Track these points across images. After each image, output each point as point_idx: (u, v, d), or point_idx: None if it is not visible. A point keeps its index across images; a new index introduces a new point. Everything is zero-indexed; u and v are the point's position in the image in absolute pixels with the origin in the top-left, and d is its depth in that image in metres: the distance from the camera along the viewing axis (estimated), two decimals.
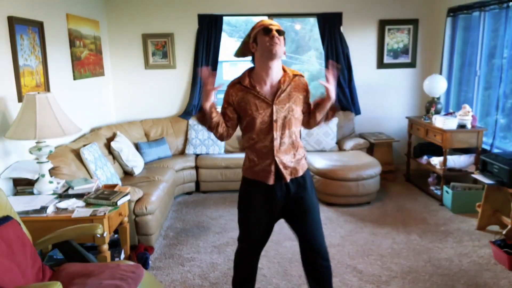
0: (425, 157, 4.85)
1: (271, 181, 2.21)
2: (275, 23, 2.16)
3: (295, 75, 2.26)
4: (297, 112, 2.23)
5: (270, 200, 2.25)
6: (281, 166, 2.20)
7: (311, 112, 2.31)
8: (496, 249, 3.20)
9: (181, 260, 3.34)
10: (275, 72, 2.19)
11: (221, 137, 2.29)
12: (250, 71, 2.25)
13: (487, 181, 3.56)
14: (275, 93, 2.18)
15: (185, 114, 5.35)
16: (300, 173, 2.27)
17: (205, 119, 2.20)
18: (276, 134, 2.18)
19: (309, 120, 2.33)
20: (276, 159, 2.19)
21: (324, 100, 2.21)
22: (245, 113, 2.20)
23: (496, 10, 4.26)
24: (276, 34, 2.10)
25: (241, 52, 2.27)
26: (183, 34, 5.29)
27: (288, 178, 2.22)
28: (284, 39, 2.16)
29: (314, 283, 2.39)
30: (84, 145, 3.66)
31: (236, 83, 2.24)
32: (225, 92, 2.27)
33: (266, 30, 2.11)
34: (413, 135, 5.13)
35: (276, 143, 2.19)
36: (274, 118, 2.17)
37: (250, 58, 2.26)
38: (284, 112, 2.18)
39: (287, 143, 2.22)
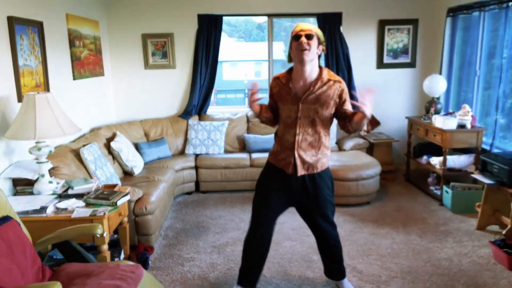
0: (425, 157, 4.85)
1: (289, 171, 2.43)
2: (307, 27, 2.30)
3: (330, 80, 2.39)
4: (323, 115, 2.39)
5: (286, 187, 2.48)
6: (298, 160, 2.41)
7: (348, 118, 2.43)
8: (495, 249, 3.20)
9: (181, 260, 3.34)
10: (308, 73, 2.36)
11: (269, 123, 2.59)
12: (291, 69, 2.48)
13: (487, 181, 3.57)
14: (305, 92, 2.37)
15: (185, 114, 5.35)
16: (317, 170, 2.46)
17: (259, 117, 2.53)
18: (299, 130, 2.39)
19: (345, 125, 2.46)
20: (296, 153, 2.40)
21: (358, 115, 2.34)
22: (278, 105, 2.47)
23: (495, 10, 4.26)
24: (304, 40, 2.27)
25: (289, 56, 2.46)
26: (183, 34, 5.29)
27: (301, 172, 2.43)
28: (319, 40, 2.33)
29: (326, 256, 2.73)
30: (84, 145, 3.66)
31: (277, 78, 2.51)
32: (270, 83, 2.56)
33: (296, 37, 2.31)
34: (413, 135, 5.13)
35: (298, 138, 2.40)
36: (299, 115, 2.37)
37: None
38: (309, 112, 2.36)
39: (308, 141, 2.41)
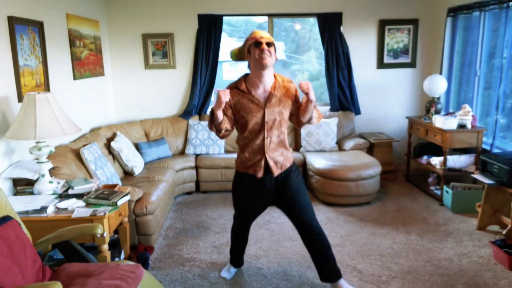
0: (425, 157, 4.85)
1: (260, 174, 2.57)
2: (266, 35, 2.44)
3: (284, 82, 2.58)
4: (286, 115, 2.58)
5: (260, 188, 2.63)
6: (271, 162, 2.56)
7: (299, 112, 2.62)
8: (496, 249, 3.20)
9: (181, 260, 3.34)
10: (267, 79, 2.50)
11: (222, 136, 2.58)
12: (245, 77, 2.57)
13: (487, 181, 3.56)
14: (267, 98, 2.51)
15: (185, 114, 5.35)
16: (288, 166, 2.64)
17: (213, 120, 2.50)
18: (267, 134, 2.53)
19: (298, 119, 2.64)
20: (266, 155, 2.55)
21: (305, 103, 2.54)
22: (240, 114, 2.52)
23: (496, 10, 4.26)
24: (266, 47, 2.39)
25: (238, 57, 2.59)
26: (183, 34, 5.29)
27: (277, 172, 2.58)
28: (275, 48, 2.45)
29: (314, 255, 2.73)
30: (84, 145, 3.66)
31: (234, 87, 2.54)
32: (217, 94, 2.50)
33: (256, 44, 2.41)
34: (413, 135, 5.13)
35: (267, 141, 2.54)
36: (266, 120, 2.50)
37: (246, 62, 2.57)
38: (274, 115, 2.51)
39: (275, 142, 2.57)
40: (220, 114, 2.42)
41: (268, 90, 2.51)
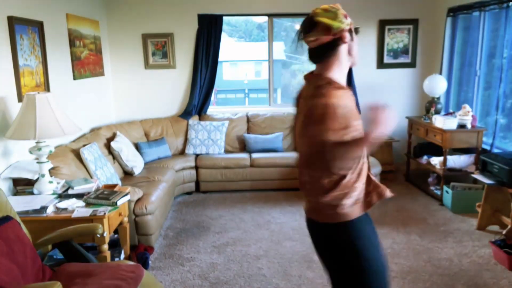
0: (425, 157, 4.85)
1: (387, 195, 1.81)
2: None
3: None
4: None
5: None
6: (375, 179, 1.79)
7: None
8: (496, 249, 3.20)
9: (181, 260, 3.34)
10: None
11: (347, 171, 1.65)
12: (329, 79, 1.63)
13: (487, 181, 3.56)
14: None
15: (185, 114, 5.34)
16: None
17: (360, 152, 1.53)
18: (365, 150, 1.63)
19: None
20: (372, 177, 1.78)
21: None
22: (352, 125, 1.55)
23: (496, 10, 4.26)
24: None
25: (324, 31, 1.61)
26: (183, 34, 5.29)
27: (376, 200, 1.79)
28: None
29: None
30: (84, 145, 3.66)
31: (339, 88, 1.58)
32: (332, 105, 1.50)
33: (357, 30, 1.68)
34: (413, 135, 5.13)
35: (366, 160, 1.75)
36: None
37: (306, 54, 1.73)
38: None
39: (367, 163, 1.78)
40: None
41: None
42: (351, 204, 1.68)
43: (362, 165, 1.69)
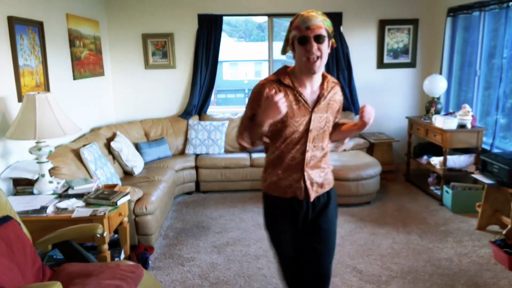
0: (425, 157, 4.85)
1: (302, 196, 1.94)
2: (315, 22, 1.74)
3: (335, 83, 1.99)
4: (331, 123, 1.98)
5: (294, 217, 1.98)
6: (308, 183, 1.93)
7: (332, 128, 2.03)
8: (496, 249, 3.20)
9: (181, 260, 3.34)
10: (317, 76, 1.89)
11: (253, 146, 1.92)
12: (286, 69, 1.92)
13: (487, 181, 3.56)
14: (315, 99, 1.89)
15: (185, 114, 5.34)
16: (326, 189, 2.02)
17: (249, 133, 1.86)
18: (309, 146, 1.90)
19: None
20: (305, 174, 1.92)
21: (352, 125, 1.99)
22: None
23: (496, 10, 4.26)
24: (315, 46, 1.75)
25: (285, 50, 1.93)
26: (183, 34, 5.29)
27: (313, 196, 1.95)
28: (330, 36, 1.81)
29: None
30: (84, 145, 3.66)
31: (274, 81, 1.87)
32: (255, 92, 1.88)
33: (302, 40, 1.76)
34: (413, 135, 5.13)
35: (308, 156, 1.91)
36: (310, 127, 1.88)
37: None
38: (321, 122, 1.90)
39: (317, 157, 1.95)
40: (267, 126, 1.77)
41: (316, 90, 1.90)
42: (267, 181, 1.99)
43: (285, 154, 1.92)
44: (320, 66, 1.81)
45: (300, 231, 2.01)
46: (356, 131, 1.96)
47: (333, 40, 1.84)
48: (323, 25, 1.76)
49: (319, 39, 1.74)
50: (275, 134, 1.90)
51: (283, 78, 1.87)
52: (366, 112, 1.81)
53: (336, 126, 2.05)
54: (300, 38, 1.76)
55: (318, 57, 1.77)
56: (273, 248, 2.08)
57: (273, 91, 1.75)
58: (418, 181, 5.05)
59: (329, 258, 2.04)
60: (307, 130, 1.88)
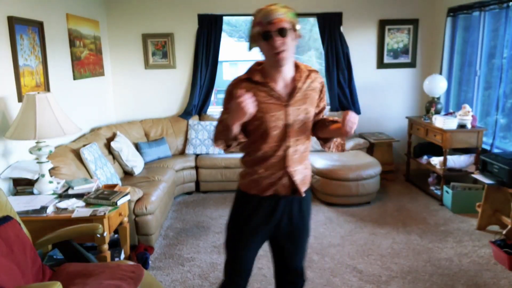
0: (425, 157, 4.85)
1: (284, 192, 1.89)
2: (276, 15, 1.70)
3: (310, 71, 1.91)
4: (312, 115, 1.91)
5: (268, 221, 1.91)
6: (298, 176, 1.88)
7: (320, 123, 1.98)
8: (496, 249, 3.20)
9: (181, 260, 3.34)
10: (288, 69, 1.84)
11: (229, 148, 1.90)
12: (258, 65, 1.89)
13: (487, 181, 3.56)
14: (290, 92, 1.84)
15: (185, 114, 5.34)
16: (307, 186, 1.97)
17: (223, 134, 1.82)
18: (290, 141, 1.85)
19: (312, 129, 1.98)
20: (289, 170, 1.86)
21: (338, 126, 1.89)
22: (254, 115, 1.76)
23: (496, 10, 4.26)
24: (279, 39, 1.70)
25: (251, 47, 1.87)
26: (183, 34, 5.29)
27: (303, 189, 1.91)
28: (294, 28, 1.75)
29: None
30: (84, 145, 3.66)
31: (244, 80, 1.85)
32: (227, 93, 1.86)
33: (265, 36, 1.72)
34: (413, 135, 5.13)
35: (291, 151, 1.85)
36: (290, 121, 1.83)
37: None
38: (300, 115, 1.85)
39: (300, 152, 1.89)
40: (237, 128, 1.75)
41: (289, 82, 1.84)
42: (246, 179, 1.94)
43: (266, 151, 1.86)
44: (287, 58, 1.77)
45: (272, 233, 1.97)
46: (340, 136, 1.91)
47: (298, 31, 1.78)
48: (285, 17, 1.71)
49: (282, 32, 1.70)
50: (254, 132, 1.86)
51: (253, 76, 1.84)
52: (349, 121, 1.74)
53: (325, 122, 1.97)
54: (263, 34, 1.72)
55: (283, 51, 1.73)
56: (228, 250, 2.01)
57: (239, 92, 1.67)
58: (418, 181, 5.06)
59: (303, 250, 2.06)
60: (286, 124, 1.83)
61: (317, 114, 1.97)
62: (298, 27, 1.77)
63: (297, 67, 1.89)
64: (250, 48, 1.86)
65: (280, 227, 1.94)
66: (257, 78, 1.83)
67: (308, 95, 1.87)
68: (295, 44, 1.80)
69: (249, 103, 1.64)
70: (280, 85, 1.84)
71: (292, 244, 2.00)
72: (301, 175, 1.91)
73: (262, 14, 1.72)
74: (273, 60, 1.77)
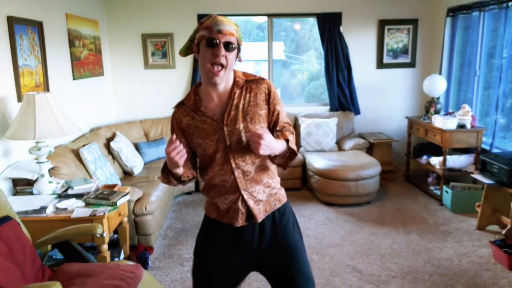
0: (424, 157, 4.85)
1: (239, 223, 1.69)
2: (227, 28, 1.57)
3: (249, 81, 1.71)
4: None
5: (237, 247, 1.73)
6: (250, 202, 1.68)
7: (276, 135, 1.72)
8: (495, 249, 3.20)
9: (181, 260, 3.34)
10: (223, 86, 1.67)
11: (184, 183, 1.79)
12: (197, 86, 1.74)
13: (486, 181, 3.57)
14: (224, 110, 1.66)
15: None
16: (277, 206, 1.76)
17: (168, 176, 1.74)
18: (235, 163, 1.66)
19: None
20: (244, 193, 1.68)
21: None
22: (194, 141, 1.70)
23: (495, 10, 4.26)
24: (223, 52, 1.56)
25: (187, 51, 1.73)
26: (182, 34, 5.29)
27: (260, 217, 1.70)
28: (239, 48, 1.65)
29: None
30: (84, 145, 3.66)
31: (181, 105, 1.73)
32: (171, 121, 1.76)
33: (210, 42, 1.57)
34: (412, 135, 5.13)
35: (238, 173, 1.67)
36: (228, 143, 1.65)
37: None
38: (238, 134, 1.65)
39: (253, 172, 1.69)
40: (180, 170, 1.66)
41: (224, 99, 1.67)
42: (207, 203, 1.83)
43: (215, 177, 1.72)
44: (223, 77, 1.61)
45: (253, 262, 1.76)
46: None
47: (240, 55, 1.67)
48: (236, 34, 1.60)
49: (228, 46, 1.57)
50: (203, 158, 1.74)
51: (186, 101, 1.71)
52: (251, 141, 1.54)
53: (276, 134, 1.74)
54: (208, 39, 1.57)
55: (222, 67, 1.59)
56: (194, 279, 1.83)
57: (173, 136, 1.56)
58: (418, 181, 5.06)
59: (307, 275, 1.79)
60: (226, 146, 1.66)
61: (274, 125, 1.74)
62: (241, 50, 1.68)
63: (235, 81, 1.70)
64: (185, 53, 1.73)
65: (259, 250, 1.73)
66: (189, 103, 1.70)
67: (247, 112, 1.67)
68: (233, 66, 1.65)
69: (176, 156, 1.55)
70: (214, 104, 1.68)
71: (285, 267, 1.75)
72: (263, 194, 1.72)
73: (214, 21, 1.59)
74: (207, 74, 1.61)
